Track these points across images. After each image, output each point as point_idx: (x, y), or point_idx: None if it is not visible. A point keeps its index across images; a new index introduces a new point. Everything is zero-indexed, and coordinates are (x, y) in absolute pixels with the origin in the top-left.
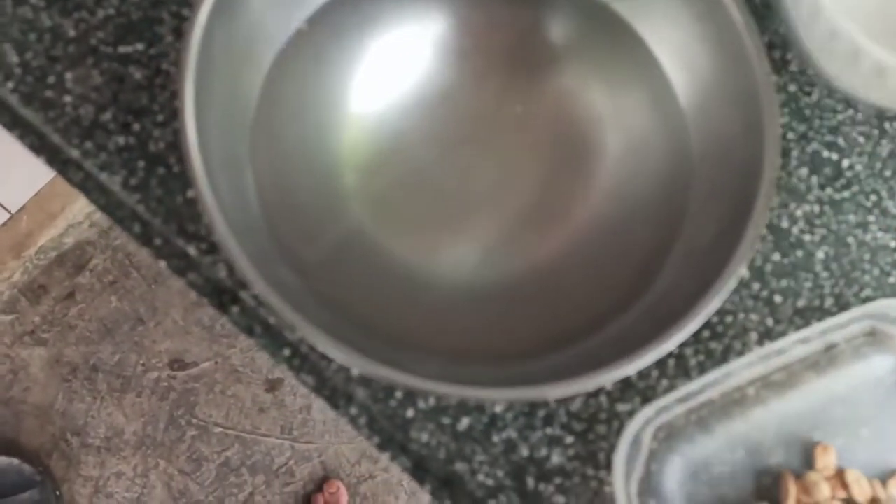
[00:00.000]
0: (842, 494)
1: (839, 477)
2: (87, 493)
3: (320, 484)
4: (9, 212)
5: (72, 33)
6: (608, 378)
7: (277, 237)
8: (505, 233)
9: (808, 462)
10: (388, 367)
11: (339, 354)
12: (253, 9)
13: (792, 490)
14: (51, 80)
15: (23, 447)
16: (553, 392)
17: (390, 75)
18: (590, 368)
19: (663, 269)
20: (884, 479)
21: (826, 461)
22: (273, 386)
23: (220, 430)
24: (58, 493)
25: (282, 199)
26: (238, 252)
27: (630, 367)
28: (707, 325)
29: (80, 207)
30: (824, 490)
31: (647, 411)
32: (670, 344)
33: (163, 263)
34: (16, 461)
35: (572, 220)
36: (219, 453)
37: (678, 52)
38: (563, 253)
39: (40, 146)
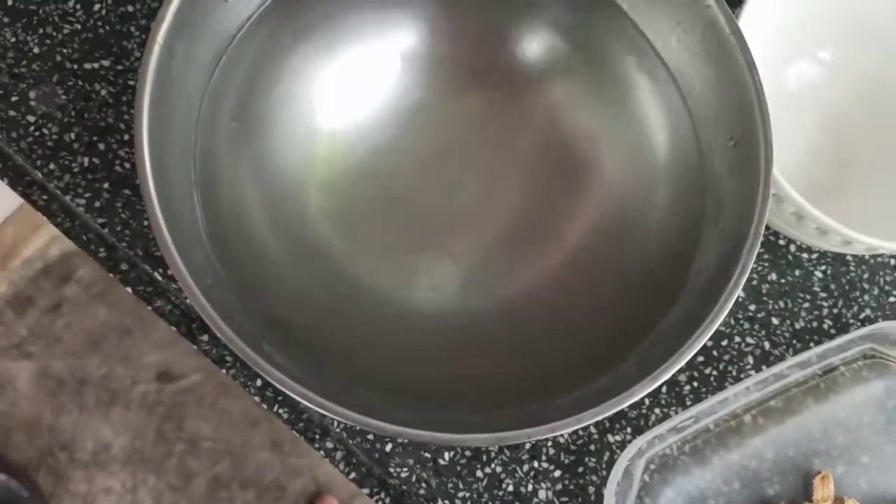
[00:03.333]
0: None
1: None
2: None
3: (312, 499)
4: None
5: (36, 50)
6: (594, 417)
7: (239, 269)
8: (485, 257)
9: (807, 492)
10: (357, 412)
11: (304, 398)
12: (213, 21)
13: None
14: (14, 98)
15: (10, 462)
16: (537, 434)
17: (360, 90)
18: (577, 409)
19: (676, 302)
20: None
21: (825, 491)
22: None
23: (209, 444)
24: None
25: (241, 225)
26: (195, 291)
27: (619, 403)
28: (701, 349)
29: None
30: None
31: (639, 442)
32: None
33: (129, 290)
34: (2, 477)
35: (562, 243)
36: (209, 468)
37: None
38: (552, 280)
39: (3, 168)
